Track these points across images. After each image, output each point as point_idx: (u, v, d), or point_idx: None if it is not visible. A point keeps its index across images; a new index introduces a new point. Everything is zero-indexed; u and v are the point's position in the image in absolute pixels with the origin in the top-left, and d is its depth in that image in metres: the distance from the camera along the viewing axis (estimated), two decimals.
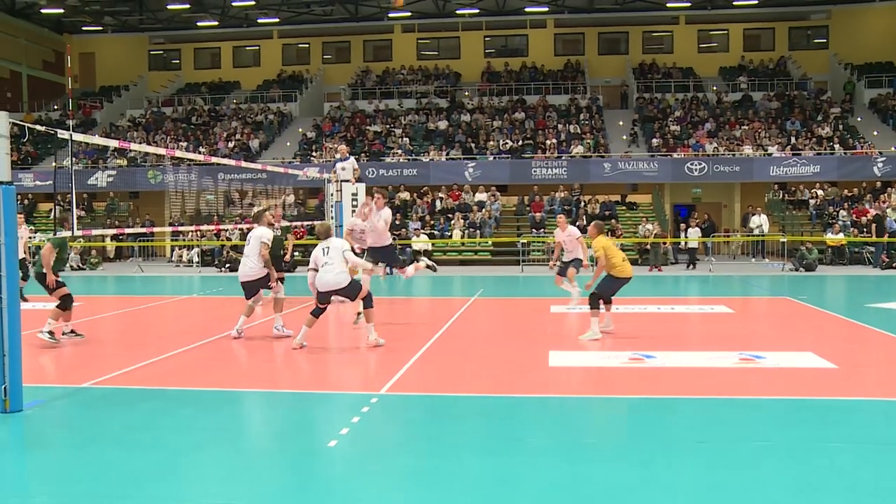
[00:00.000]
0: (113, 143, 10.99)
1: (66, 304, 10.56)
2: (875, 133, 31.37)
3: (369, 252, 12.57)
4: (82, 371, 8.91)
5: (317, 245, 10.42)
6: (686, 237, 25.32)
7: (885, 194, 27.38)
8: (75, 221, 8.82)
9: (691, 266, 24.39)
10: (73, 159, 9.18)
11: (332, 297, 10.48)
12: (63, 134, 8.36)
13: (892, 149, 29.51)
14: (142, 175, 31.55)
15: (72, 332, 10.94)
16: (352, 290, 10.38)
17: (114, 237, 28.54)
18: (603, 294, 10.91)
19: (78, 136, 9.05)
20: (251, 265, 10.97)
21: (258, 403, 7.79)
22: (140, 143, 32.37)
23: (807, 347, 9.91)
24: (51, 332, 10.42)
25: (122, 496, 5.16)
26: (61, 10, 37.32)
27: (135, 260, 29.07)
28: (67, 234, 9.93)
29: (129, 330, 12.50)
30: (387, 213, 12.28)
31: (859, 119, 33.01)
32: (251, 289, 11.12)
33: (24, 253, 16.10)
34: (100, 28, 40.97)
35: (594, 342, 10.48)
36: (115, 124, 37.11)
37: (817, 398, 7.56)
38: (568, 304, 14.04)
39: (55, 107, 39.28)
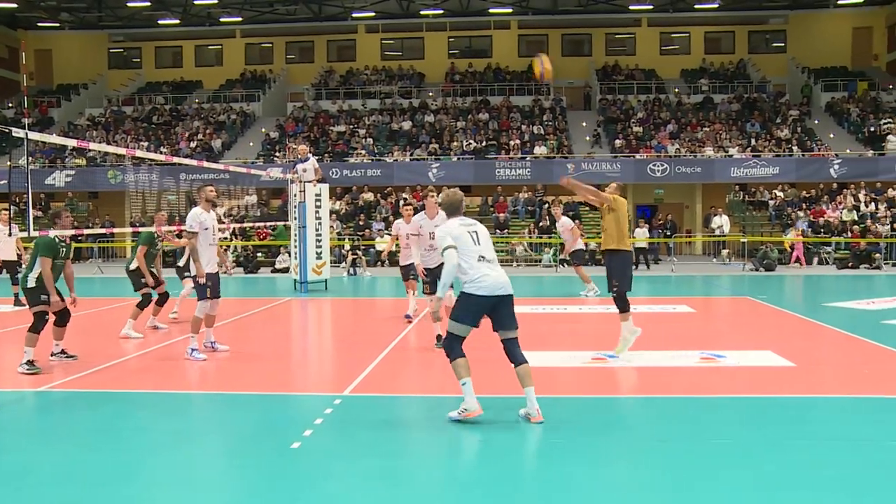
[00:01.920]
0: (71, 143, 10.80)
1: (37, 325, 8.73)
2: (831, 136, 32.02)
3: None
4: (38, 375, 8.71)
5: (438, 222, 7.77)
6: (633, 237, 25.42)
7: (841, 195, 27.95)
8: (31, 222, 8.63)
9: (642, 266, 24.52)
10: (30, 158, 8.99)
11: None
12: (18, 132, 8.19)
13: (848, 151, 30.15)
14: (101, 175, 31.06)
15: (62, 352, 9.30)
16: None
17: (72, 238, 28.04)
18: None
19: (34, 135, 8.88)
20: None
21: (220, 405, 7.69)
22: (99, 142, 31.88)
23: (766, 346, 10.05)
24: (30, 363, 8.64)
25: (81, 499, 5.05)
26: (15, 5, 36.58)
27: (94, 261, 28.58)
28: (64, 232, 8.98)
29: (88, 332, 12.26)
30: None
31: (816, 122, 33.66)
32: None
33: (18, 252, 15.65)
34: (56, 25, 40.23)
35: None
36: (74, 123, 36.47)
37: (777, 396, 7.67)
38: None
39: (10, 104, 38.49)
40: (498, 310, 6.63)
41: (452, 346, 6.64)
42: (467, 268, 6.61)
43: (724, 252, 26.63)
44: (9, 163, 8.87)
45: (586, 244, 26.44)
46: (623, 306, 9.20)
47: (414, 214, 11.27)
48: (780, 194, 28.94)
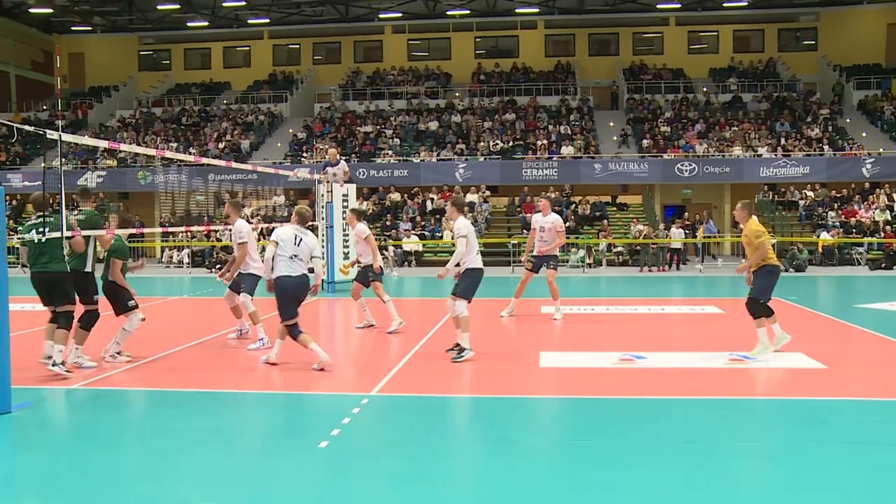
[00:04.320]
0: (102, 144, 10.95)
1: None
2: (864, 134, 31.53)
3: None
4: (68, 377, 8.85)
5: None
6: (670, 237, 25.30)
7: (874, 195, 27.55)
8: (64, 223, 8.73)
9: (674, 266, 24.43)
10: (63, 160, 9.12)
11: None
12: (52, 134, 8.32)
13: (881, 150, 29.68)
14: (132, 176, 31.43)
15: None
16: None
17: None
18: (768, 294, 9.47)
19: (67, 137, 9.01)
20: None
21: (247, 405, 7.76)
22: (130, 143, 32.25)
23: (797, 348, 9.93)
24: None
25: (110, 498, 5.13)
26: (50, 10, 37.14)
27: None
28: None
29: (114, 332, 12.43)
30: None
31: (848, 120, 33.16)
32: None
33: None
34: (89, 28, 40.80)
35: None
36: (105, 125, 36.95)
37: (806, 398, 7.59)
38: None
39: (44, 107, 39.08)
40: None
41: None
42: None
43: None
44: (43, 164, 9.01)
45: (613, 245, 26.38)
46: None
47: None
48: (811, 194, 28.58)
